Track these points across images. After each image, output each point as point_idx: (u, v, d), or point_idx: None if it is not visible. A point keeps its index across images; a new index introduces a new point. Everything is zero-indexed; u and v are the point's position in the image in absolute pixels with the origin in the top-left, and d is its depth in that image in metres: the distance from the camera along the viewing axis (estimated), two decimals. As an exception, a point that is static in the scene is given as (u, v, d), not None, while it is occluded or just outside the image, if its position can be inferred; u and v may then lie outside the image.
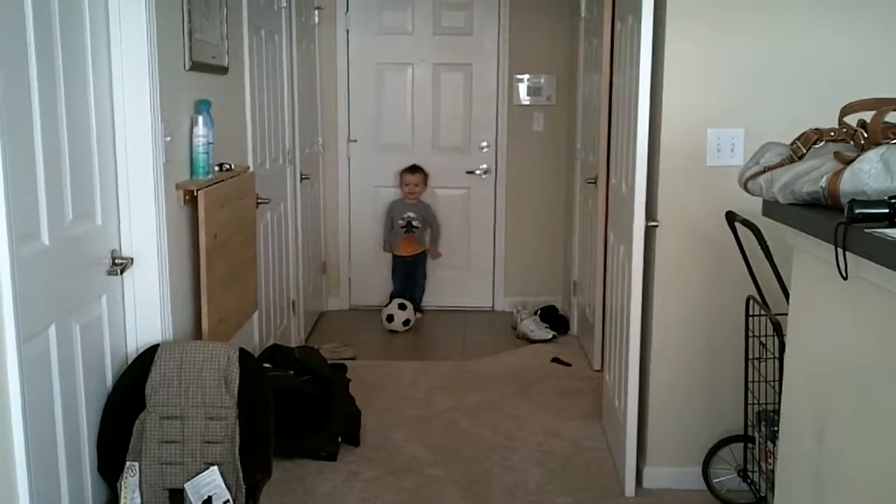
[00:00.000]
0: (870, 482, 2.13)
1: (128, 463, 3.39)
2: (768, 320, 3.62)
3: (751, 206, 3.06)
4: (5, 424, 2.63)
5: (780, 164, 2.49)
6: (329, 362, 5.28)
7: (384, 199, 7.69)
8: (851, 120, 2.37)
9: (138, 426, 3.43)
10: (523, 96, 7.55)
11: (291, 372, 4.82)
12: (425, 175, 7.57)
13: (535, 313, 7.12)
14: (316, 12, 7.13)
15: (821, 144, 2.40)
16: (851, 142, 2.31)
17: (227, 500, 3.41)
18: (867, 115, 2.28)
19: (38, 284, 2.83)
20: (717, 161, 4.04)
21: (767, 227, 3.13)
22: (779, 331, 3.49)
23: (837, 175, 2.16)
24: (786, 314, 2.78)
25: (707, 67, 4.03)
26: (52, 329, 2.96)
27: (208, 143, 4.00)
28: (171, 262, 3.69)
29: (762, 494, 3.77)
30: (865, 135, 2.24)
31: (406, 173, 7.54)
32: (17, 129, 2.68)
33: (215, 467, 3.44)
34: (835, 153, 2.26)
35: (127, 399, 3.44)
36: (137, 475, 3.39)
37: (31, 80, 2.80)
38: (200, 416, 3.46)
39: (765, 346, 3.72)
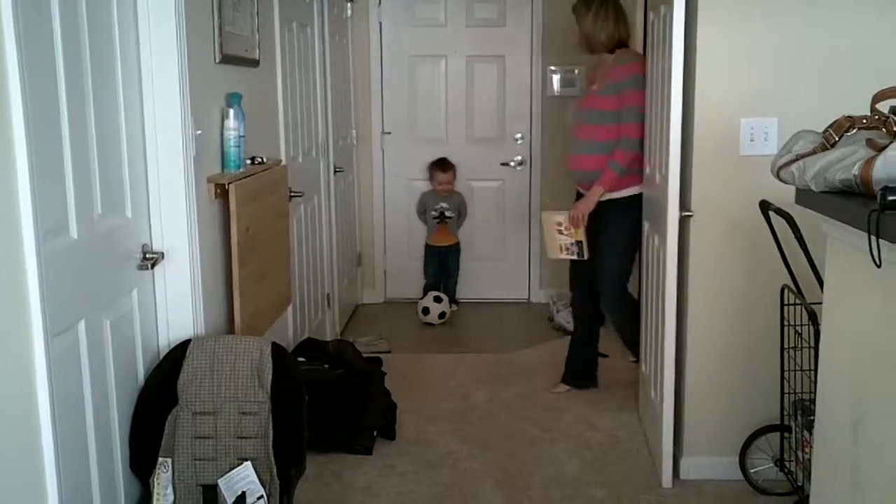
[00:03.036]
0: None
1: (160, 459, 3.39)
2: (803, 309, 3.59)
3: (785, 195, 3.03)
4: (33, 421, 2.63)
5: (813, 152, 2.47)
6: (364, 356, 5.28)
7: (419, 191, 7.68)
8: (883, 107, 2.35)
9: (171, 422, 3.43)
10: (557, 88, 7.50)
11: (326, 366, 4.82)
12: (455, 170, 7.55)
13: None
14: (349, 5, 7.14)
15: (853, 132, 2.37)
16: (883, 129, 2.29)
17: (261, 496, 3.40)
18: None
19: (66, 279, 2.82)
20: (750, 150, 4.01)
21: (801, 215, 3.10)
22: (814, 320, 3.47)
23: (870, 162, 2.14)
24: (821, 303, 2.76)
25: (740, 57, 3.99)
26: (82, 324, 2.95)
27: (239, 137, 4.00)
28: (203, 256, 3.69)
29: (799, 484, 3.75)
30: (898, 121, 2.21)
31: (438, 171, 7.49)
32: (44, 122, 2.67)
33: (249, 462, 3.42)
34: (867, 140, 2.24)
35: (159, 394, 3.44)
36: (170, 471, 3.39)
37: (59, 73, 2.78)
38: (233, 412, 3.46)
39: (800, 335, 3.69)
